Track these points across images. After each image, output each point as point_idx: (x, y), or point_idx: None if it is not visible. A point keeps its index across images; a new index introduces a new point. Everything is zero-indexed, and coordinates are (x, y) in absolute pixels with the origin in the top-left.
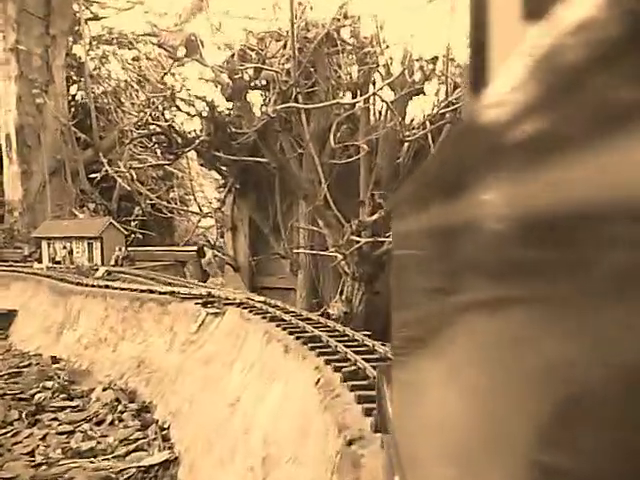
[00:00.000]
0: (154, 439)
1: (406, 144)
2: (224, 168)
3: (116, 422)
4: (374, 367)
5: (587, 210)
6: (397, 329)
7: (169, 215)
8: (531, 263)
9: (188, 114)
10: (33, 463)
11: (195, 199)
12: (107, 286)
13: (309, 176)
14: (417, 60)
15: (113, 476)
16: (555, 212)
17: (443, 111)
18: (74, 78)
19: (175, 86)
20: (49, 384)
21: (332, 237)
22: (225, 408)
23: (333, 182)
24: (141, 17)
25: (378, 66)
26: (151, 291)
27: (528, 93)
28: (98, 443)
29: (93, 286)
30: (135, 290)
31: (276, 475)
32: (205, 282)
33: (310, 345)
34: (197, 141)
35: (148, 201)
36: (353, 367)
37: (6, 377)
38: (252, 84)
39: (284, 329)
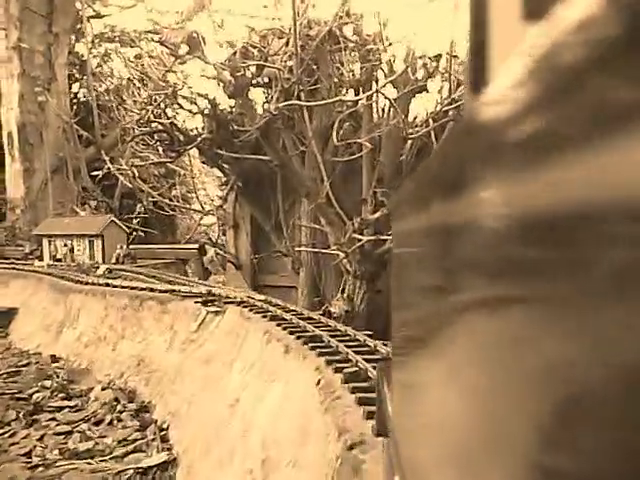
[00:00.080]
0: (153, 440)
1: (409, 142)
2: (226, 166)
3: (115, 422)
4: (375, 368)
5: (587, 209)
6: (397, 328)
7: (171, 213)
8: (531, 262)
9: (190, 112)
10: (30, 465)
11: (197, 197)
12: (107, 284)
13: (311, 174)
14: (420, 57)
15: (110, 478)
16: (555, 211)
17: (446, 109)
18: (76, 76)
19: (177, 84)
20: (48, 383)
21: (334, 235)
22: (224, 409)
23: (335, 180)
24: (143, 15)
25: (381, 63)
26: (151, 289)
27: (528, 93)
28: (96, 444)
29: (93, 284)
30: (135, 288)
31: (275, 479)
32: (207, 280)
33: (311, 345)
34: (199, 139)
35: (150, 199)
36: (354, 368)
37: (5, 376)
38: (254, 82)
39: (284, 328)
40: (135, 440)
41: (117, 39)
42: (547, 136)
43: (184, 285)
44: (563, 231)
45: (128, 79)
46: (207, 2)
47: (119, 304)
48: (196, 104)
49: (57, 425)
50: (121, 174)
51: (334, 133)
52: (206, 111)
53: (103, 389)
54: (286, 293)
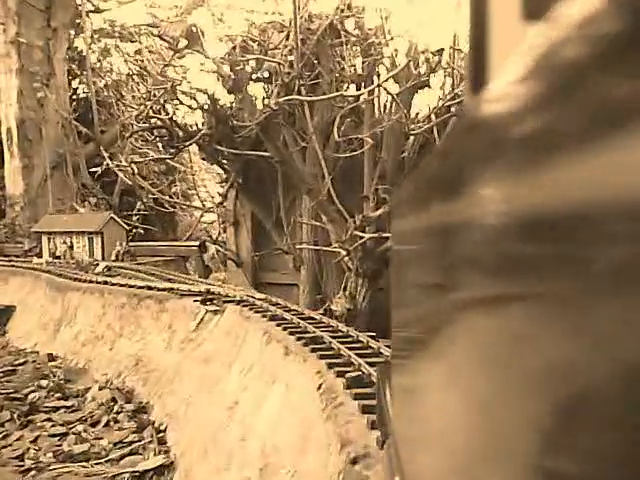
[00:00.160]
0: (150, 442)
1: (411, 138)
2: (226, 162)
3: (111, 423)
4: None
5: (588, 208)
6: (397, 328)
7: (171, 210)
8: (532, 261)
9: (190, 107)
10: (22, 468)
11: (197, 194)
12: (105, 282)
13: (312, 170)
14: (422, 52)
15: None
16: (555, 210)
17: (449, 104)
18: (76, 71)
19: (176, 79)
20: (44, 383)
21: (335, 232)
22: (223, 411)
23: (337, 176)
24: (143, 10)
25: (383, 58)
26: (149, 287)
27: (528, 92)
28: (92, 446)
29: (91, 282)
30: (133, 286)
31: None
32: (207, 277)
33: (312, 347)
34: (198, 135)
35: (150, 196)
36: (357, 372)
37: (1, 375)
38: (254, 76)
39: (285, 329)
40: (132, 442)
41: (117, 34)
42: (547, 135)
43: (183, 283)
44: (563, 229)
45: (127, 74)
46: None
47: (117, 302)
48: (195, 99)
49: (52, 426)
50: (120, 170)
51: (335, 129)
52: (205, 106)
53: (100, 389)
54: (287, 291)
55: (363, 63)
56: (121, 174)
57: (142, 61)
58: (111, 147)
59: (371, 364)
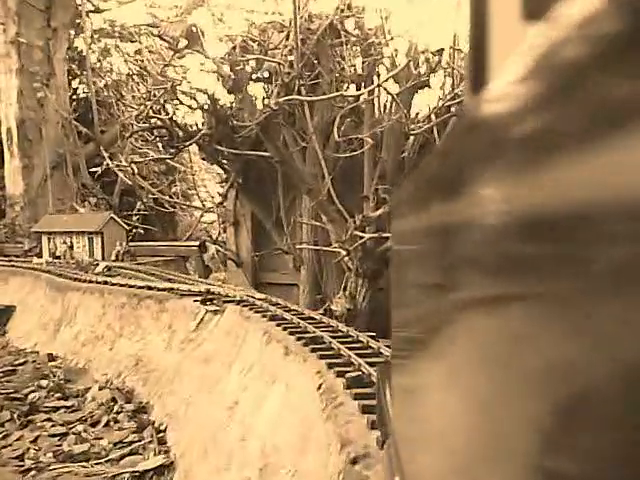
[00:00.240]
0: (150, 442)
1: (411, 138)
2: (226, 162)
3: (111, 423)
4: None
5: (588, 208)
6: (396, 328)
7: (171, 210)
8: (532, 261)
9: (190, 107)
10: (22, 468)
11: (197, 194)
12: (105, 282)
13: (312, 170)
14: (423, 52)
15: None
16: (554, 210)
17: (449, 104)
18: (76, 71)
19: (176, 79)
20: (44, 383)
21: (335, 232)
22: (223, 411)
23: (337, 176)
24: (143, 10)
25: (383, 58)
26: (149, 287)
27: (528, 92)
28: (92, 446)
29: (91, 282)
30: (133, 286)
31: None
32: (207, 277)
33: (312, 347)
34: (198, 135)
35: (150, 196)
36: (357, 373)
37: (1, 375)
38: (254, 76)
39: (284, 329)
40: (132, 442)
41: (117, 34)
42: (546, 135)
43: (183, 283)
44: (562, 229)
45: (128, 75)
46: None
47: (117, 302)
48: (195, 99)
49: (52, 426)
50: (120, 170)
51: (335, 129)
52: (205, 106)
53: (100, 389)
54: (287, 291)
55: (363, 63)
56: (121, 174)
57: (142, 61)
58: (111, 147)
59: (371, 364)
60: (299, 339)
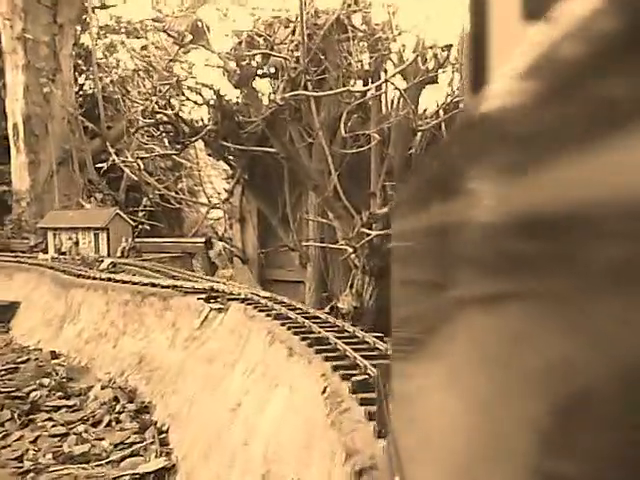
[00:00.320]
0: (151, 443)
1: (419, 134)
2: (232, 158)
3: (113, 423)
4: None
5: (589, 207)
6: (396, 327)
7: (178, 206)
8: (532, 260)
9: (195, 103)
10: (21, 470)
11: (204, 190)
12: (109, 279)
13: (319, 166)
14: (430, 47)
15: None
16: (554, 209)
17: (457, 100)
18: (82, 67)
19: (181, 74)
20: (46, 381)
21: (342, 229)
22: (225, 413)
23: (343, 173)
24: (148, 6)
25: (390, 53)
26: (153, 284)
27: (527, 92)
28: (92, 447)
29: (95, 278)
30: (137, 283)
31: None
32: (214, 274)
33: (316, 348)
34: (204, 130)
35: (156, 192)
36: (363, 376)
37: (2, 373)
38: (260, 72)
39: (289, 328)
40: (133, 443)
41: (123, 30)
42: (546, 134)
43: (187, 280)
44: (562, 228)
45: (134, 70)
46: None
47: (121, 299)
48: (201, 95)
49: (53, 426)
50: (126, 166)
51: (342, 125)
52: (211, 102)
53: (103, 388)
54: (293, 288)
55: (370, 58)
56: (127, 170)
57: (148, 57)
58: (117, 143)
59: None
60: (304, 339)
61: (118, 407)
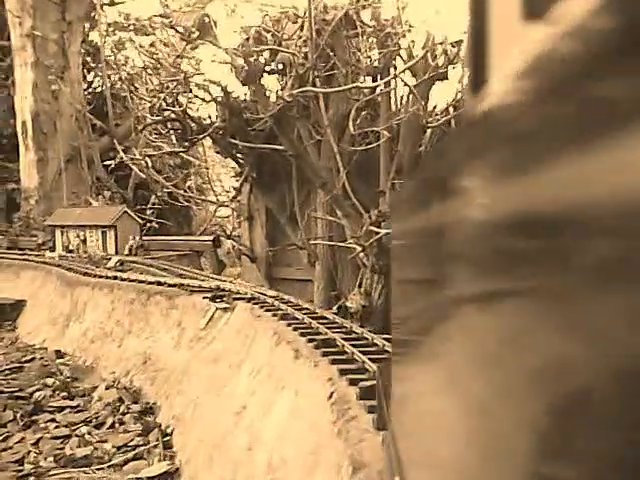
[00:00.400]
0: (155, 446)
1: (429, 131)
2: (240, 156)
3: (117, 425)
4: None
5: (588, 207)
6: (396, 327)
7: (186, 204)
8: (532, 259)
9: (203, 100)
10: (21, 473)
11: (212, 188)
12: (115, 277)
13: (327, 164)
14: (440, 43)
15: None
16: (552, 209)
17: None
18: (90, 65)
19: (189, 70)
20: (50, 381)
21: (351, 228)
22: (230, 416)
23: (352, 170)
24: (156, 3)
25: (400, 49)
26: (159, 283)
27: (527, 92)
28: (95, 450)
29: (100, 277)
30: (143, 282)
31: None
32: (221, 273)
33: (323, 350)
34: (212, 127)
35: (164, 189)
36: (371, 382)
37: (7, 372)
38: (268, 68)
39: (295, 329)
40: (136, 446)
41: (131, 27)
42: (546, 135)
43: (194, 279)
44: (563, 228)
45: (142, 67)
46: None
47: (126, 298)
48: (209, 92)
49: (56, 428)
50: (135, 164)
51: (351, 122)
52: (219, 99)
53: (107, 388)
54: (302, 287)
55: (379, 54)
56: (135, 168)
57: (156, 54)
58: (125, 140)
59: None
60: (310, 341)
61: (122, 408)
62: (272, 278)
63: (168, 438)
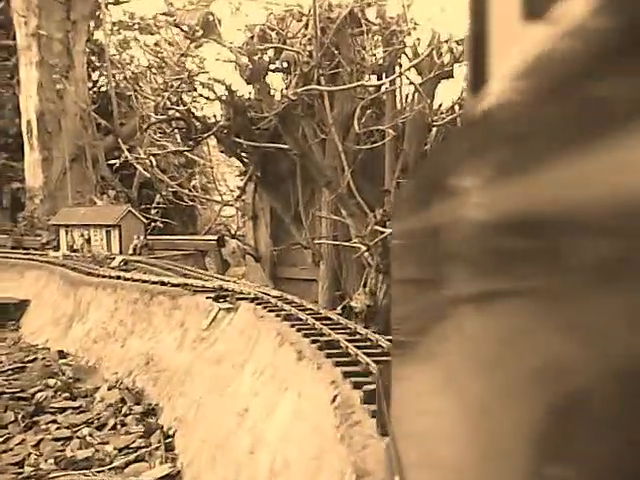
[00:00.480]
0: (157, 448)
1: (434, 129)
2: (245, 155)
3: (118, 426)
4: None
5: (587, 207)
6: (396, 327)
7: (191, 203)
8: (532, 259)
9: (207, 98)
10: (21, 476)
11: (217, 187)
12: (118, 277)
13: (332, 163)
14: (446, 41)
15: None
16: (553, 209)
17: None
18: (95, 64)
19: (193, 69)
20: (52, 382)
21: (355, 227)
22: (233, 418)
23: (357, 169)
24: (161, 1)
25: (405, 47)
26: (162, 283)
27: (527, 92)
28: (96, 452)
29: (104, 276)
30: (146, 282)
31: None
32: (225, 272)
33: (327, 351)
34: (216, 126)
35: (169, 189)
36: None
37: (9, 373)
38: (273, 67)
39: (299, 330)
40: (138, 448)
41: (136, 26)
42: (545, 134)
43: (198, 279)
44: (563, 227)
45: (147, 66)
46: None
47: (130, 298)
48: (213, 90)
49: (57, 429)
50: (139, 163)
51: (355, 120)
52: (223, 97)
53: (109, 389)
54: (306, 286)
55: (384, 53)
56: (140, 167)
57: (160, 52)
58: (130, 140)
59: None
60: (314, 342)
61: (124, 409)
62: (276, 278)
63: (170, 440)
